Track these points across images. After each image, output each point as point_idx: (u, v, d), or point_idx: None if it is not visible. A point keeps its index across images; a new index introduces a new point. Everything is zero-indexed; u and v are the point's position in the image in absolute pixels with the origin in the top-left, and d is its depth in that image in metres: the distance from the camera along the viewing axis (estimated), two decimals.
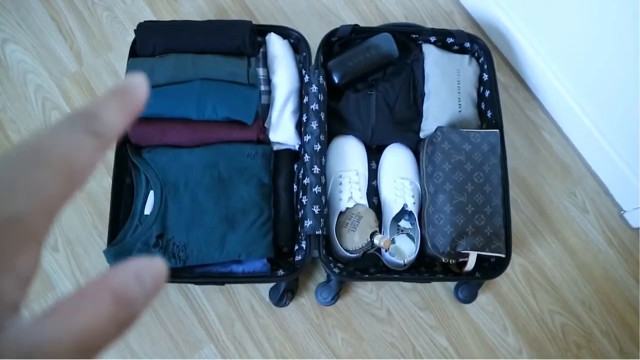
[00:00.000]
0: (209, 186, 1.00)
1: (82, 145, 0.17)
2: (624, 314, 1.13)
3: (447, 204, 0.99)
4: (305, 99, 1.06)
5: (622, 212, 1.20)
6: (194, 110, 1.01)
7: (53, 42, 1.24)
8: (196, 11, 1.30)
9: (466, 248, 0.96)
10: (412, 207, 1.03)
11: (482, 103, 1.14)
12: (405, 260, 1.01)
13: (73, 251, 1.10)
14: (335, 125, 1.11)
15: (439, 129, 1.06)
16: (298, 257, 1.00)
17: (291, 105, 1.09)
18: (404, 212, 1.07)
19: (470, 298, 1.10)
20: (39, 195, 0.16)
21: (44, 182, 0.16)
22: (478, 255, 0.97)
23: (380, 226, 1.05)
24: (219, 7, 1.30)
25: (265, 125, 1.08)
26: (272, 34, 1.13)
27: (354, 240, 0.98)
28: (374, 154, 1.14)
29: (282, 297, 1.05)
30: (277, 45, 1.12)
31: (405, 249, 1.06)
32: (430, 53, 1.14)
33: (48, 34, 1.25)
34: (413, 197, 1.04)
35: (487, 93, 1.12)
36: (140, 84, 0.21)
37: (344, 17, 1.31)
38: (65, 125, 0.18)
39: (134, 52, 1.08)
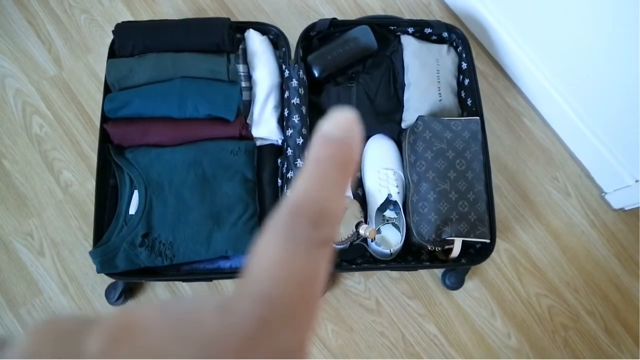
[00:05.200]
0: (193, 184, 1.00)
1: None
2: (607, 293, 1.15)
3: (430, 192, 1.00)
4: (286, 94, 1.07)
5: (603, 194, 1.22)
6: (175, 108, 1.01)
7: (31, 46, 1.24)
8: (174, 11, 1.30)
9: (451, 235, 0.97)
10: (397, 197, 1.04)
11: (462, 91, 1.15)
12: (392, 250, 1.01)
13: (59, 255, 1.10)
14: (317, 119, 1.11)
15: (420, 118, 1.07)
16: None
17: (272, 101, 1.09)
18: (388, 202, 1.08)
19: (457, 284, 1.11)
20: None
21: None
22: (463, 241, 0.98)
23: (365, 217, 1.06)
24: (197, 6, 1.30)
25: (248, 121, 1.08)
26: (251, 30, 1.13)
27: (339, 232, 0.98)
28: None
29: None
30: (256, 42, 1.12)
31: (391, 238, 1.07)
32: (409, 44, 1.15)
33: (25, 38, 1.24)
34: (397, 186, 1.05)
35: (466, 81, 1.13)
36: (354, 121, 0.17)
37: (322, 12, 1.32)
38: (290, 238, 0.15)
39: (112, 53, 1.07)
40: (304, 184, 0.16)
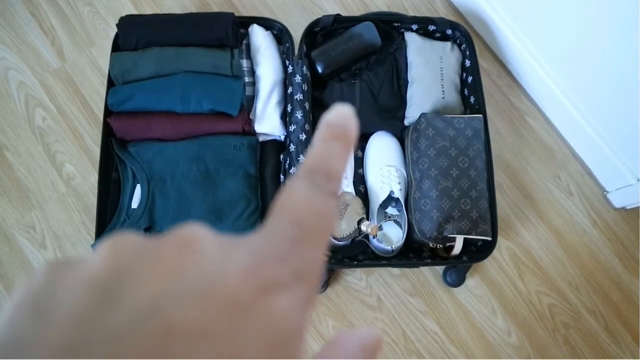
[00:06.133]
0: (196, 179, 1.00)
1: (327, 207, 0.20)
2: (608, 292, 1.15)
3: (432, 190, 1.00)
4: (290, 90, 1.07)
5: (605, 192, 1.22)
6: (178, 103, 1.01)
7: (34, 39, 1.23)
8: (178, 5, 1.29)
9: (453, 232, 0.98)
10: (399, 194, 1.04)
11: (465, 89, 1.15)
12: (393, 247, 1.01)
13: (61, 248, 1.10)
14: (320, 115, 1.10)
15: (422, 115, 1.07)
16: None
17: (276, 96, 1.09)
18: (390, 199, 1.08)
19: (458, 282, 1.11)
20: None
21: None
22: (465, 239, 0.98)
23: (367, 213, 1.06)
24: (201, 1, 1.30)
25: (251, 116, 1.08)
26: (255, 25, 1.13)
27: (341, 228, 0.98)
28: (360, 143, 1.15)
29: None
30: (260, 37, 1.12)
31: (392, 235, 1.07)
32: (413, 41, 1.15)
33: (29, 31, 1.24)
34: (399, 183, 1.05)
35: (469, 79, 1.13)
36: (349, 114, 0.22)
37: (326, 8, 1.32)
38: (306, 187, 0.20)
39: (116, 47, 1.07)
40: (315, 154, 0.20)
